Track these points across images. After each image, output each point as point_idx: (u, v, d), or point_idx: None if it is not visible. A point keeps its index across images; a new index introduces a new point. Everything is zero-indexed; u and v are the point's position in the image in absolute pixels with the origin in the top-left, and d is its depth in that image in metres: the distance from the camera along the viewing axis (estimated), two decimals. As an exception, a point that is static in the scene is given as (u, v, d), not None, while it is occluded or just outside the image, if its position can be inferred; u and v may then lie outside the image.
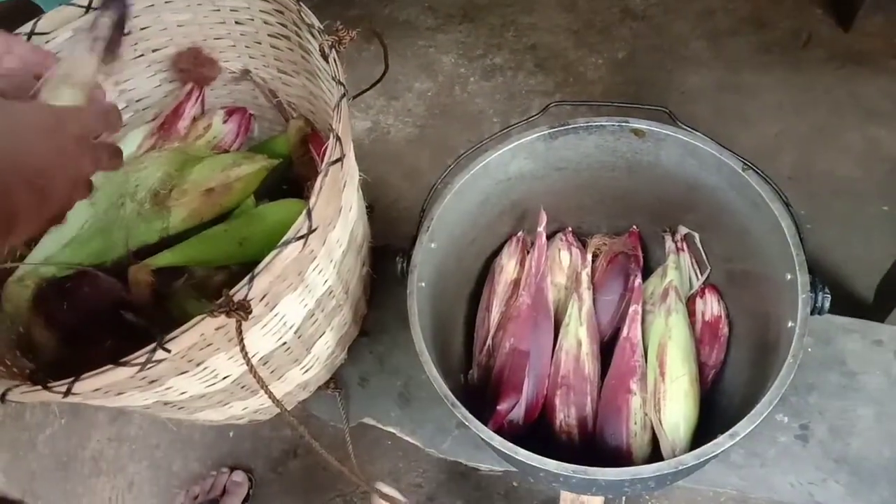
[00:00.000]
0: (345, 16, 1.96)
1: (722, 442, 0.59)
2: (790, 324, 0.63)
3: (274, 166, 0.84)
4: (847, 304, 1.31)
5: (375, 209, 0.89)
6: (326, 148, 0.61)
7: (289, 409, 0.86)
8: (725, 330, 0.80)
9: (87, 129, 0.51)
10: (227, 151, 0.88)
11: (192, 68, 0.85)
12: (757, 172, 0.70)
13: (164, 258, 0.74)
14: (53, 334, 0.72)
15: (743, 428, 0.59)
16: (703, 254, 0.83)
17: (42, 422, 1.50)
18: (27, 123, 0.47)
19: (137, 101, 0.88)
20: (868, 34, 1.66)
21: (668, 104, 0.75)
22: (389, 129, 1.74)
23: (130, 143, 0.85)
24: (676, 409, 0.74)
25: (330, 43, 0.67)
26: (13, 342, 0.73)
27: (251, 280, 0.55)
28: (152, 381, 0.61)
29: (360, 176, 0.78)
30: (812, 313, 0.64)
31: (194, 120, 0.87)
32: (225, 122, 0.88)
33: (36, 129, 0.47)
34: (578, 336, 0.80)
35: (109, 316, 0.74)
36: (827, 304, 0.64)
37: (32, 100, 0.54)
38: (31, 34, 0.74)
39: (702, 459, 0.59)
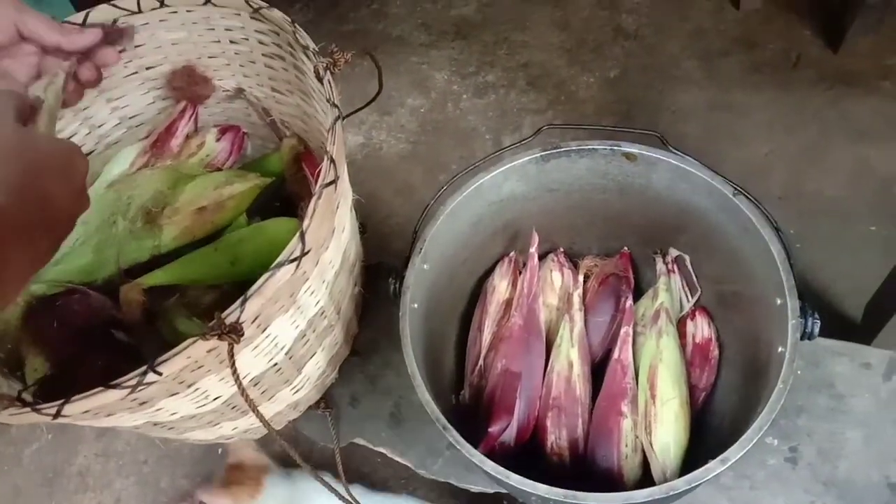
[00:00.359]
0: (338, 31, 1.97)
1: (713, 467, 0.59)
2: (780, 349, 0.64)
3: (266, 185, 0.84)
4: (836, 323, 1.32)
5: (368, 225, 0.89)
6: (320, 169, 0.61)
7: (279, 428, 0.86)
8: (716, 352, 0.80)
9: (87, 167, 0.50)
10: (219, 169, 0.88)
11: (186, 86, 0.85)
12: (747, 197, 0.71)
13: (156, 277, 0.74)
14: (43, 353, 0.71)
15: (734, 454, 0.59)
16: (693, 276, 0.83)
17: (28, 436, 1.49)
18: (51, 162, 0.45)
19: (131, 118, 0.88)
20: (856, 55, 1.69)
21: (660, 123, 0.76)
22: (382, 144, 1.74)
23: (123, 161, 0.85)
24: (667, 431, 0.74)
25: (325, 65, 0.67)
26: (1, 361, 0.73)
27: (243, 303, 0.55)
28: (143, 403, 0.60)
29: (353, 196, 0.78)
30: (802, 338, 0.64)
31: (187, 137, 0.87)
32: (218, 139, 0.88)
33: (58, 170, 0.46)
34: (570, 357, 0.80)
35: (100, 334, 0.74)
36: (817, 330, 0.65)
37: (31, 125, 0.53)
38: (24, 52, 0.74)
39: (693, 485, 0.59)
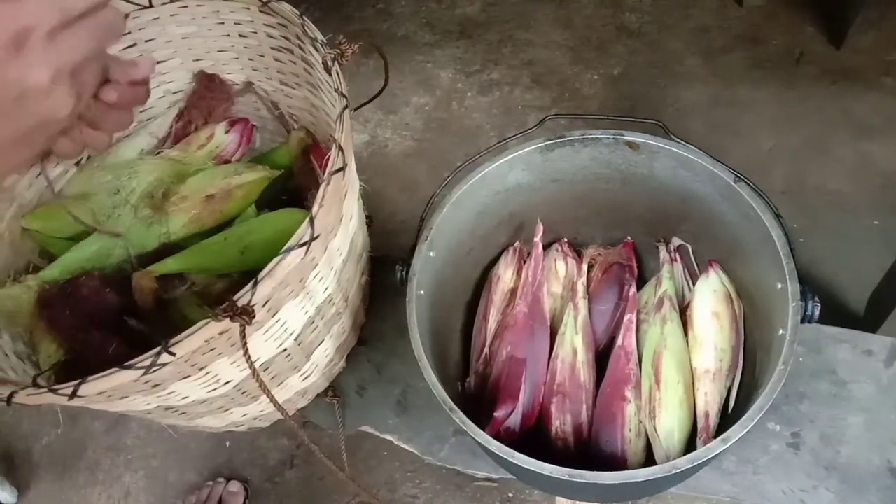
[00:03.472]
0: (344, 31, 1.98)
1: (714, 447, 0.60)
2: (781, 331, 0.65)
3: (275, 177, 0.85)
4: (839, 316, 1.33)
5: (374, 220, 0.91)
6: (329, 157, 0.63)
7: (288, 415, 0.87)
8: (719, 339, 0.81)
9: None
10: (228, 161, 0.89)
11: (207, 100, 0.88)
12: (748, 184, 0.72)
13: (167, 265, 0.75)
14: (56, 339, 0.73)
15: (735, 433, 0.60)
16: (695, 265, 0.84)
17: (38, 431, 1.51)
18: None
19: (141, 111, 0.89)
20: (859, 51, 1.70)
21: (663, 119, 0.77)
22: (387, 142, 1.76)
23: (131, 150, 0.86)
24: (671, 416, 0.75)
25: (333, 56, 0.68)
26: (17, 346, 0.74)
27: (254, 286, 0.56)
28: (156, 386, 0.62)
29: (360, 186, 0.79)
30: (802, 321, 0.65)
31: (196, 129, 0.89)
32: (227, 132, 0.89)
33: None
34: (574, 345, 0.81)
35: (112, 321, 0.75)
36: (817, 313, 0.66)
37: None
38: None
39: (695, 464, 0.60)
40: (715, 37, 1.80)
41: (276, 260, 0.57)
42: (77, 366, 0.71)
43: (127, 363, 0.55)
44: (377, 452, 1.34)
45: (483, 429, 0.73)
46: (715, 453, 0.60)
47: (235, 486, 1.35)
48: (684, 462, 0.59)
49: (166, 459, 1.45)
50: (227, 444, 1.43)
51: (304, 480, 1.38)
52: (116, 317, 0.75)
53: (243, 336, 0.56)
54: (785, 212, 0.71)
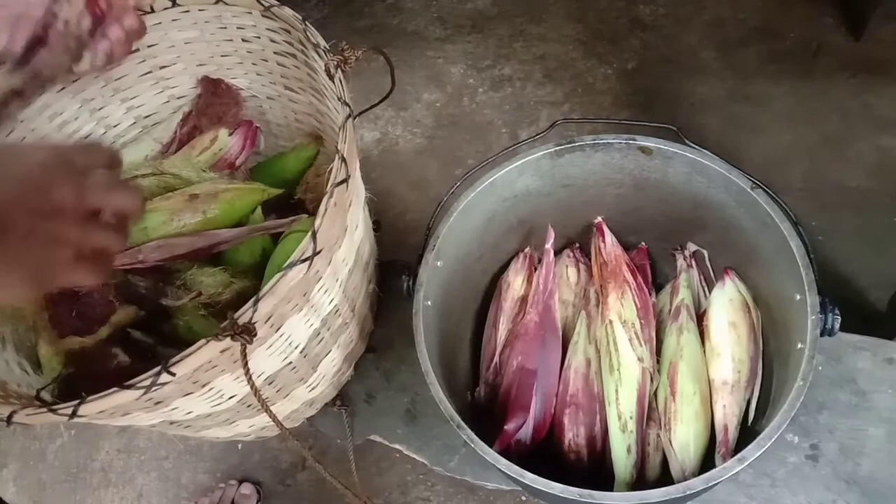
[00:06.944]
0: (354, 26, 1.96)
1: (730, 466, 0.58)
2: (799, 345, 0.63)
3: (271, 196, 0.83)
4: (859, 317, 1.30)
5: (383, 221, 0.89)
6: (331, 169, 0.61)
7: (295, 425, 0.86)
8: (735, 348, 0.79)
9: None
10: (232, 164, 0.88)
11: (214, 105, 0.86)
12: (766, 191, 0.69)
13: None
14: (58, 345, 0.72)
15: (751, 452, 0.58)
16: (711, 271, 0.82)
17: (52, 432, 1.51)
18: None
19: (146, 117, 0.88)
20: (879, 43, 1.65)
21: (678, 115, 0.75)
22: (398, 139, 1.74)
23: (135, 156, 0.85)
24: (687, 429, 0.73)
25: (335, 63, 0.67)
26: (20, 354, 0.73)
27: (256, 303, 0.55)
28: (158, 403, 0.61)
29: (366, 195, 0.77)
30: (822, 335, 0.63)
31: (200, 133, 0.87)
32: (230, 134, 0.88)
33: None
34: (587, 354, 0.80)
35: (117, 331, 0.74)
36: (837, 325, 0.64)
37: None
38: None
39: (710, 484, 0.58)
40: (730, 29, 1.76)
41: (277, 276, 0.56)
42: (82, 377, 0.71)
43: (126, 383, 0.53)
44: (389, 455, 1.32)
45: (493, 441, 0.71)
46: (731, 473, 0.58)
47: (248, 489, 1.34)
48: (699, 483, 0.58)
49: (179, 461, 1.44)
50: (240, 446, 1.42)
51: (317, 483, 1.37)
52: (121, 328, 0.74)
53: (244, 355, 0.55)
54: (803, 209, 0.69)
